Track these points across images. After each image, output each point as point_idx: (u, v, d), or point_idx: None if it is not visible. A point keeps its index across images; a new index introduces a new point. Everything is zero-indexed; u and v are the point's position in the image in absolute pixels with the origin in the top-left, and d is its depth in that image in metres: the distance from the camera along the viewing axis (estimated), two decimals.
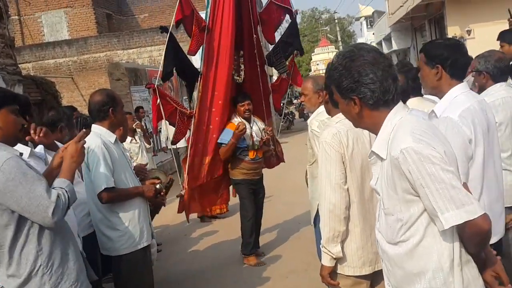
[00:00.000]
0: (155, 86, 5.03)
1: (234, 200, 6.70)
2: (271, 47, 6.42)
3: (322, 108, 3.80)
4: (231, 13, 5.38)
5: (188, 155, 5.54)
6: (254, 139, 5.77)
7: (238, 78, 5.78)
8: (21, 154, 2.53)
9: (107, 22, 24.70)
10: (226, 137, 5.59)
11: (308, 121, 4.01)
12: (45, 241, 2.46)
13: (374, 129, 2.02)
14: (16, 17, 22.00)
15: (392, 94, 1.94)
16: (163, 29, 5.15)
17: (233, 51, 5.54)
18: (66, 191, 2.46)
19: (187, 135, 5.97)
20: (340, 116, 2.66)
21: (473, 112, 2.59)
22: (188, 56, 5.42)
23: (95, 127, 3.66)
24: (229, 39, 5.42)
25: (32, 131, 3.39)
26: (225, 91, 5.54)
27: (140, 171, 4.29)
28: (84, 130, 2.76)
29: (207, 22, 5.39)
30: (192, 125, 5.42)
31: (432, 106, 3.48)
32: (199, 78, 5.44)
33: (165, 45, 5.08)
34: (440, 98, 2.77)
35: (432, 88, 2.80)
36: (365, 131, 2.42)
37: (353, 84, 1.94)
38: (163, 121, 5.18)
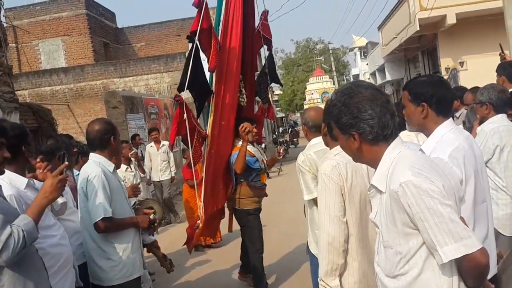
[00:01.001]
0: (183, 99, 4.95)
1: (226, 229, 6.65)
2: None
3: (313, 141, 3.85)
4: (238, 36, 5.41)
5: (204, 180, 5.23)
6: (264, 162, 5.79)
7: (242, 100, 5.75)
8: None
9: (104, 51, 24.93)
10: (252, 163, 5.58)
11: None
12: (6, 277, 2.38)
13: (374, 164, 2.05)
14: (14, 44, 22.17)
15: (390, 129, 1.98)
16: (189, 38, 4.96)
17: (239, 74, 5.56)
18: (22, 230, 2.33)
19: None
20: (338, 148, 2.67)
21: (462, 151, 2.58)
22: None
23: (94, 156, 3.66)
24: (236, 61, 5.43)
25: (38, 170, 3.35)
26: (229, 114, 5.47)
27: (135, 190, 4.32)
28: (65, 163, 2.68)
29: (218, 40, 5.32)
30: (205, 145, 5.32)
31: (423, 138, 3.52)
32: (211, 98, 5.32)
33: (188, 54, 5.05)
34: (426, 135, 2.77)
35: (418, 126, 2.78)
36: (363, 164, 2.44)
37: (352, 120, 1.98)
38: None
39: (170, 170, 10.78)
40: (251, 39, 5.80)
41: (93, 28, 23.81)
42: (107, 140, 3.65)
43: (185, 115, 4.84)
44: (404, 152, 1.96)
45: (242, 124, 5.43)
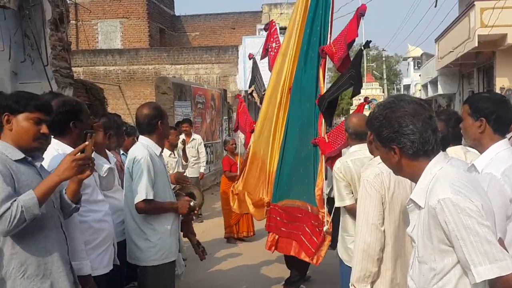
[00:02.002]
0: (241, 97, 6.45)
1: (260, 225, 6.71)
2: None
3: (353, 148, 3.86)
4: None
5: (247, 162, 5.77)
6: None
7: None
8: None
9: (159, 36, 25.40)
10: None
11: None
12: (20, 246, 2.45)
13: (413, 178, 2.07)
14: (74, 21, 22.85)
15: (431, 145, 1.99)
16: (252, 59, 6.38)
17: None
18: (22, 205, 2.34)
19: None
20: None
21: None
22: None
23: (142, 139, 3.79)
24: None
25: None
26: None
27: (181, 180, 4.42)
28: (85, 143, 2.59)
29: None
30: (252, 137, 5.78)
31: (472, 156, 3.48)
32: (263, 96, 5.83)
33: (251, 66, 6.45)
34: (480, 151, 2.79)
35: (473, 140, 2.82)
36: None
37: (393, 134, 2.00)
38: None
39: (200, 166, 10.10)
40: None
41: (151, 13, 24.29)
42: (155, 124, 3.76)
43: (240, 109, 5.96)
44: (446, 169, 1.96)
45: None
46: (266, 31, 6.11)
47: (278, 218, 5.19)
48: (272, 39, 6.02)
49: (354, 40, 4.79)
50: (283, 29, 11.98)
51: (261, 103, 5.89)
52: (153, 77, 18.30)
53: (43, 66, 7.43)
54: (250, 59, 6.40)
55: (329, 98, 4.79)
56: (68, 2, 9.69)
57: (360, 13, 4.63)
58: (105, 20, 23.99)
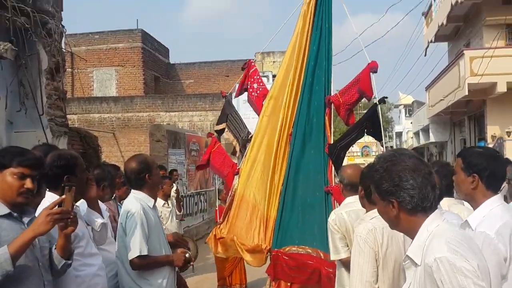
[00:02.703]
0: (215, 136, 5.94)
1: (252, 277, 6.57)
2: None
3: (347, 200, 3.84)
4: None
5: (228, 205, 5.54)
6: None
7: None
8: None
9: (154, 84, 25.72)
10: None
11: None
12: None
13: (410, 233, 2.05)
14: (70, 69, 23.13)
15: (430, 201, 1.98)
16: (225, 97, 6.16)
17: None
18: None
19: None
20: (375, 211, 2.66)
21: (509, 229, 2.54)
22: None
23: (134, 192, 3.76)
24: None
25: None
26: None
27: (179, 240, 4.36)
28: (62, 197, 2.52)
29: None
30: (236, 181, 5.52)
31: (464, 210, 3.48)
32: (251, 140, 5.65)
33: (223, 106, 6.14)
34: (473, 206, 2.76)
35: (465, 195, 2.79)
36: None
37: (393, 187, 1.99)
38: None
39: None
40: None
41: (146, 61, 24.68)
42: (142, 178, 3.74)
43: (215, 146, 5.68)
44: (442, 226, 1.95)
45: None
46: (243, 70, 6.07)
47: (284, 264, 5.09)
48: (252, 79, 5.99)
49: (370, 98, 5.05)
50: (275, 76, 12.15)
51: (243, 146, 5.84)
52: (147, 124, 18.40)
53: (38, 115, 7.46)
54: (223, 97, 6.30)
55: (341, 145, 4.88)
56: (64, 51, 9.83)
57: (372, 69, 4.83)
58: (100, 68, 24.32)
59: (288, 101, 5.38)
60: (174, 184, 8.26)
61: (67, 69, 21.68)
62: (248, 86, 6.00)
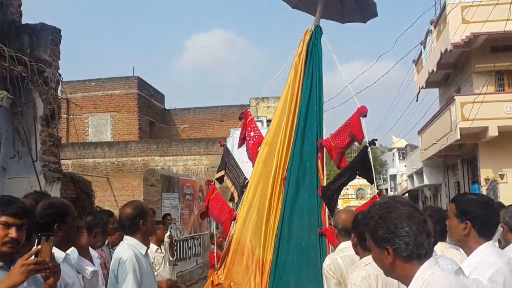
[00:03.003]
0: (213, 183, 5.97)
1: None
2: None
3: (342, 245, 3.85)
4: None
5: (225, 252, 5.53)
6: None
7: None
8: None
9: (149, 129, 25.89)
10: None
11: None
12: None
13: (404, 281, 2.04)
14: (65, 115, 23.30)
15: (425, 249, 1.99)
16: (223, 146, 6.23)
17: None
18: None
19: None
20: (369, 258, 2.68)
21: (502, 275, 2.56)
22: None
23: (127, 238, 3.77)
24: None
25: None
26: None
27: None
28: (37, 247, 2.46)
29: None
30: (233, 227, 5.54)
31: (457, 254, 3.49)
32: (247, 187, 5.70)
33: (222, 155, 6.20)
34: (466, 252, 2.77)
35: (458, 241, 2.81)
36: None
37: (388, 234, 2.00)
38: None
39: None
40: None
41: (141, 107, 24.93)
42: (137, 224, 3.76)
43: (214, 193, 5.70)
44: (436, 274, 1.95)
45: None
46: (241, 120, 6.24)
47: None
48: (249, 128, 6.14)
49: (360, 141, 5.18)
50: (270, 121, 12.32)
51: (241, 191, 5.89)
52: (142, 168, 18.42)
53: (32, 161, 7.51)
54: (221, 146, 6.39)
55: (333, 187, 4.96)
56: (60, 98, 9.97)
57: (362, 113, 5.01)
58: (96, 114, 24.52)
59: (282, 147, 5.50)
60: (168, 229, 8.22)
61: (62, 115, 21.87)
62: (246, 135, 6.14)
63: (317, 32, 5.78)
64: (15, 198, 2.77)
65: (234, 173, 6.15)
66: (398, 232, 1.98)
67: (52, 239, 2.53)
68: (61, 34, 9.13)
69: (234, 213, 5.77)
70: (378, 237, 2.04)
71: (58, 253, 3.04)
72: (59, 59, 9.04)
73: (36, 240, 2.55)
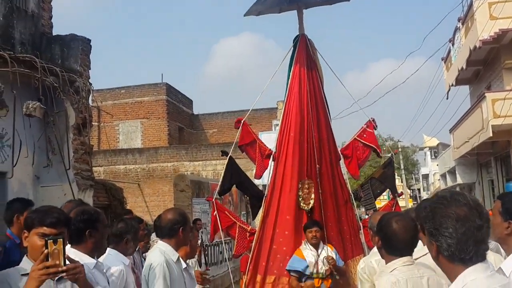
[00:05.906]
0: (213, 200, 5.84)
1: None
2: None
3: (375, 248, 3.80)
4: (296, 145, 5.79)
5: (248, 270, 5.61)
6: (319, 267, 5.58)
7: (304, 205, 5.73)
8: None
9: (178, 134, 26.13)
10: (295, 264, 5.47)
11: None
12: None
13: (449, 278, 1.98)
14: (96, 123, 23.72)
15: (469, 255, 1.89)
16: (224, 153, 6.25)
17: (298, 180, 5.69)
18: None
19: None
20: (396, 263, 2.66)
21: None
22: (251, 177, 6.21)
23: (161, 244, 3.82)
24: (295, 168, 5.71)
25: None
26: (289, 217, 5.68)
27: (203, 276, 4.41)
28: (45, 251, 2.48)
29: (274, 150, 5.95)
30: (254, 242, 5.64)
31: (490, 254, 3.43)
32: (263, 201, 5.84)
33: (225, 166, 6.11)
34: (505, 250, 2.77)
35: (499, 239, 2.81)
36: (424, 279, 2.49)
37: (433, 230, 1.95)
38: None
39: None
40: (329, 150, 6.00)
41: (171, 113, 25.20)
42: (176, 230, 3.79)
43: (215, 212, 5.71)
44: (478, 281, 1.85)
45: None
46: (237, 129, 6.46)
47: None
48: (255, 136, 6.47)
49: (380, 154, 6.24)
50: None
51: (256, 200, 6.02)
52: (172, 174, 18.60)
53: (65, 170, 7.68)
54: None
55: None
56: (91, 107, 10.16)
57: (373, 125, 5.94)
58: (126, 121, 24.89)
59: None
60: (200, 237, 8.32)
61: (93, 124, 22.27)
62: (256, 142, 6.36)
63: (296, 41, 6.25)
64: (52, 208, 2.84)
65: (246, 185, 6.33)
66: (442, 231, 1.91)
67: (61, 242, 2.56)
68: (91, 44, 9.34)
69: (249, 226, 5.98)
70: (426, 229, 1.99)
71: (88, 260, 3.12)
72: (90, 68, 9.24)
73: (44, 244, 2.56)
